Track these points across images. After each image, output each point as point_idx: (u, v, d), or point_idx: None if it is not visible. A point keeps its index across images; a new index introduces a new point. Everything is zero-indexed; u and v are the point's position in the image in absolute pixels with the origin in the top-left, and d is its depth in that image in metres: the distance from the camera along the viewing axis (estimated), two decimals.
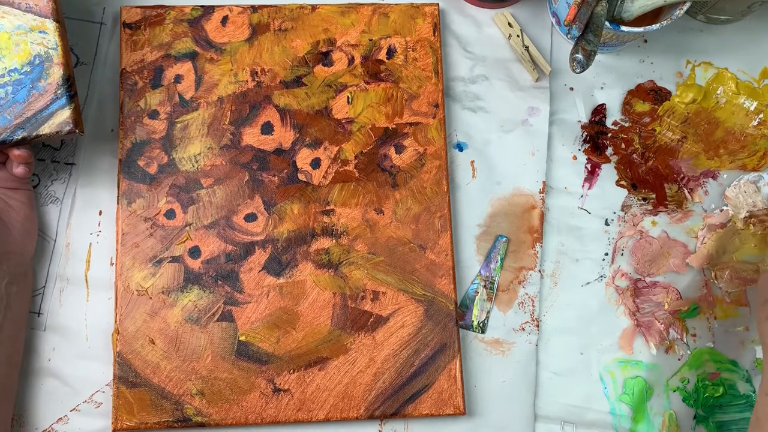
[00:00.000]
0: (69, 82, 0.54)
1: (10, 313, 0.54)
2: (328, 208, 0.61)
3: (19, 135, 0.53)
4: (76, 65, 0.62)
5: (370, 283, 0.60)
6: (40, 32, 0.54)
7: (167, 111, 0.61)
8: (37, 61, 0.54)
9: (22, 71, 0.54)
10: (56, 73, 0.54)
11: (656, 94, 0.66)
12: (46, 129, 0.53)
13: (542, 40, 0.66)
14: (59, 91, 0.54)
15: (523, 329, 0.61)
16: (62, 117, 0.54)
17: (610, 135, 0.65)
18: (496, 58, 0.66)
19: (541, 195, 0.63)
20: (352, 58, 0.63)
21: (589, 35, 0.55)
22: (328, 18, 0.64)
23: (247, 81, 0.62)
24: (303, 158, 0.61)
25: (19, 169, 0.55)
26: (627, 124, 0.65)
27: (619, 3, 0.59)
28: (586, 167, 0.65)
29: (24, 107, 0.53)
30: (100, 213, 0.61)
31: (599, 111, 0.65)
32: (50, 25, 0.54)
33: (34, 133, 0.53)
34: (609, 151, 0.65)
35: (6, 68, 0.54)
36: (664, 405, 0.61)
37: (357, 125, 0.62)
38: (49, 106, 0.54)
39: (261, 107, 0.62)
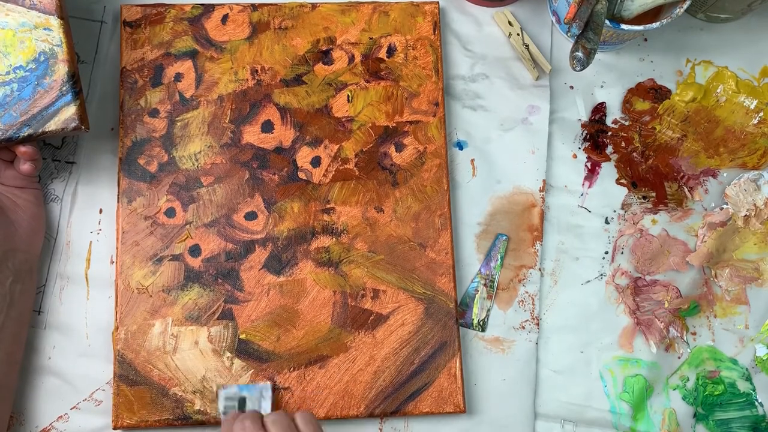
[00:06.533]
0: (74, 79, 0.54)
1: (13, 312, 0.54)
2: (328, 206, 0.61)
3: (25, 132, 0.53)
4: None
5: (371, 281, 0.60)
6: (45, 29, 0.54)
7: (167, 109, 0.61)
8: (42, 58, 0.54)
9: (27, 68, 0.54)
10: (61, 69, 0.54)
11: (656, 93, 0.66)
12: (52, 126, 0.54)
13: (542, 39, 0.66)
14: (64, 88, 0.54)
15: (524, 327, 0.61)
16: (68, 113, 0.54)
17: (610, 133, 0.65)
18: (496, 56, 0.66)
19: (541, 193, 0.63)
20: (353, 56, 0.63)
21: (590, 33, 0.55)
22: (328, 16, 0.64)
23: (247, 79, 0.62)
24: (303, 157, 0.61)
25: (25, 167, 0.55)
26: (627, 123, 0.65)
27: (619, 1, 0.59)
28: (586, 165, 0.65)
29: (30, 104, 0.54)
30: (101, 211, 0.61)
31: (599, 109, 0.65)
32: (54, 22, 0.54)
33: (40, 130, 0.53)
34: (609, 149, 0.65)
35: (11, 65, 0.54)
36: (664, 403, 0.61)
37: (357, 124, 0.62)
38: (54, 102, 0.54)
39: (261, 106, 0.62)
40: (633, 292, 0.62)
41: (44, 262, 0.59)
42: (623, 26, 0.58)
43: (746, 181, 0.64)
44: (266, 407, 0.56)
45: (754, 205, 0.64)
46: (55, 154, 0.61)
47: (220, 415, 0.56)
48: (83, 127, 0.54)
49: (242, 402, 0.55)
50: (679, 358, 0.62)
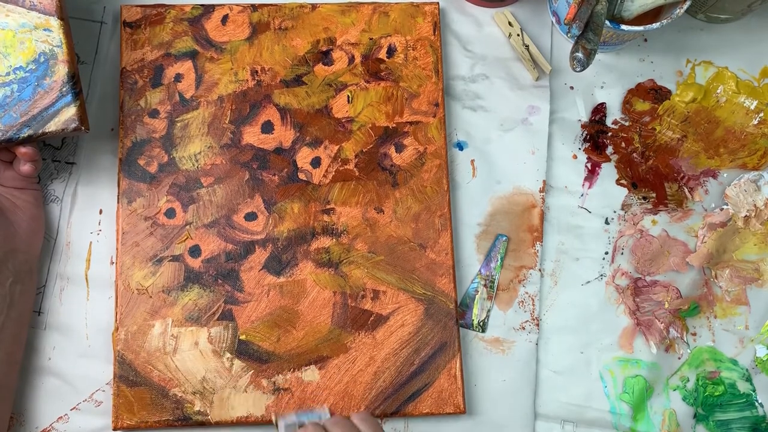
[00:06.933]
0: (74, 80, 0.54)
1: (13, 312, 0.54)
2: (328, 207, 0.61)
3: (26, 133, 0.53)
4: None
5: (371, 282, 0.60)
6: (45, 30, 0.54)
7: (167, 110, 0.61)
8: (42, 59, 0.54)
9: (27, 69, 0.54)
10: (61, 70, 0.54)
11: (656, 93, 0.66)
12: (52, 126, 0.54)
13: (542, 39, 0.66)
14: (64, 89, 0.54)
15: (524, 328, 0.61)
16: (68, 114, 0.54)
17: (610, 134, 0.65)
18: (496, 57, 0.66)
19: (542, 194, 0.63)
20: (353, 57, 0.63)
21: (590, 34, 0.55)
22: (328, 17, 0.64)
23: (247, 80, 0.62)
24: (303, 157, 0.61)
25: (25, 167, 0.55)
26: (627, 123, 0.65)
27: (619, 2, 0.59)
28: (586, 166, 0.65)
29: (30, 105, 0.54)
30: (101, 212, 0.61)
31: (599, 110, 0.65)
32: (54, 23, 0.54)
33: (40, 131, 0.53)
34: (609, 150, 0.65)
35: (11, 66, 0.54)
36: (664, 404, 0.61)
37: (357, 124, 0.62)
38: (54, 103, 0.54)
39: (261, 106, 0.62)
40: (633, 293, 0.62)
41: (44, 263, 0.59)
42: (623, 27, 0.58)
43: (746, 181, 0.64)
44: None
45: (755, 205, 0.64)
46: (55, 155, 0.61)
47: None
48: (83, 128, 0.54)
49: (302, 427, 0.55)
50: (679, 358, 0.62)
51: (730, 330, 0.63)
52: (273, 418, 0.56)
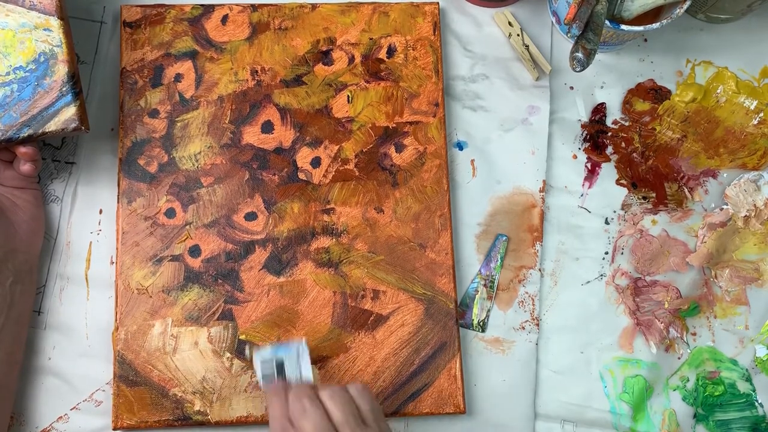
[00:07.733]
0: (74, 80, 0.54)
1: (13, 312, 0.54)
2: (328, 206, 0.61)
3: (26, 132, 0.53)
4: None
5: (371, 281, 0.60)
6: (45, 30, 0.54)
7: (167, 110, 0.61)
8: (42, 59, 0.54)
9: (27, 69, 0.54)
10: (61, 70, 0.54)
11: (656, 93, 0.66)
12: (52, 126, 0.54)
13: (542, 39, 0.66)
14: (64, 89, 0.54)
15: (523, 328, 0.61)
16: (68, 114, 0.54)
17: (610, 134, 0.65)
18: (496, 57, 0.66)
19: (541, 194, 0.63)
20: (353, 57, 0.63)
21: (590, 34, 0.55)
22: (328, 17, 0.64)
23: (247, 80, 0.62)
24: (303, 157, 0.61)
25: (26, 167, 0.55)
26: (627, 123, 0.65)
27: (619, 2, 0.59)
28: (586, 166, 0.65)
29: (30, 105, 0.54)
30: (101, 212, 0.61)
31: (599, 110, 0.65)
32: (54, 23, 0.54)
33: (40, 131, 0.54)
34: (609, 150, 0.65)
35: (11, 66, 0.54)
36: (664, 404, 0.61)
37: (357, 124, 0.62)
38: (54, 103, 0.54)
39: (261, 106, 0.62)
40: (633, 293, 0.62)
41: (44, 263, 0.59)
42: (623, 27, 0.58)
43: (746, 181, 0.64)
44: (305, 366, 0.53)
45: (754, 205, 0.64)
46: (54, 155, 0.61)
47: (259, 382, 0.53)
48: (83, 128, 0.54)
49: (280, 365, 0.53)
50: (679, 358, 0.62)
51: (730, 330, 0.63)
52: (247, 352, 0.56)
